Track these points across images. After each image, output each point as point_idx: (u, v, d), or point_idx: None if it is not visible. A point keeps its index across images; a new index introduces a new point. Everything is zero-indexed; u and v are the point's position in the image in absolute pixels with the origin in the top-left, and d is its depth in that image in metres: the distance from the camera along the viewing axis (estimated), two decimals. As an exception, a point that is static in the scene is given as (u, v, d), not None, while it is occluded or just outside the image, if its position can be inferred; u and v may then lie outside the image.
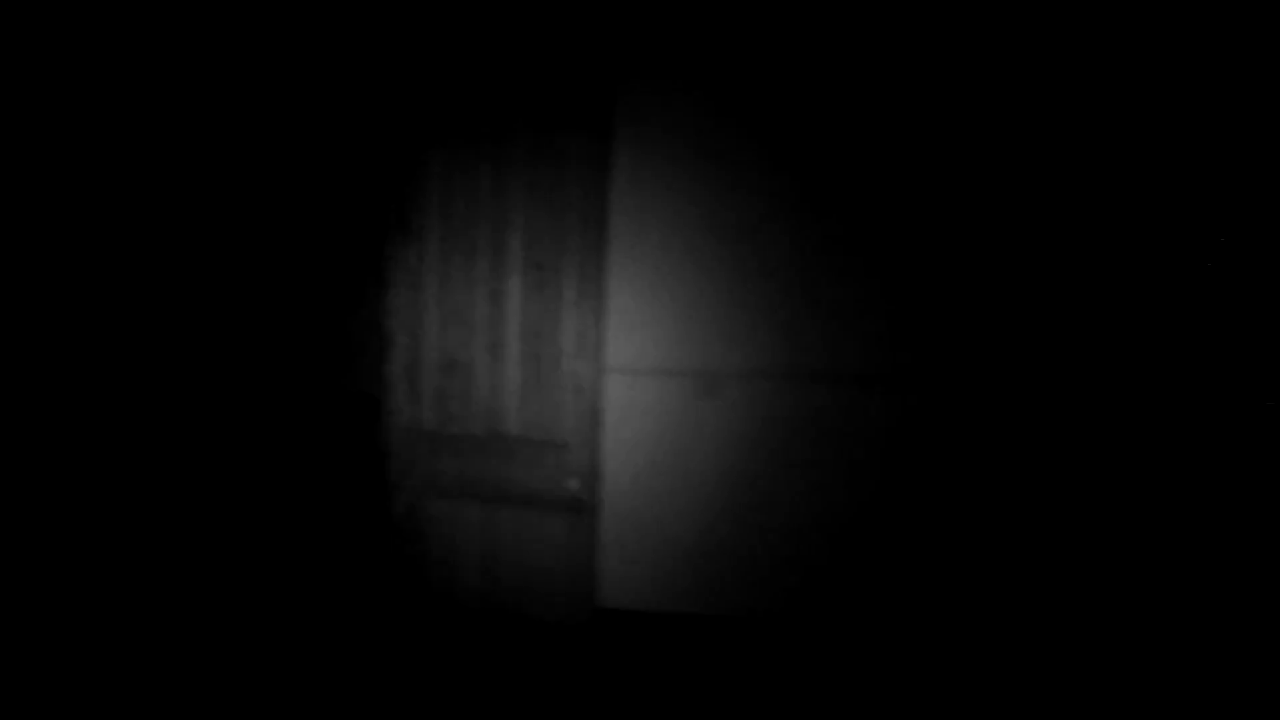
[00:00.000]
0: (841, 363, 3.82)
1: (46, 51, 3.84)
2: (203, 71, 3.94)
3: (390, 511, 3.96)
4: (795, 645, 3.86)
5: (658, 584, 3.96)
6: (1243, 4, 3.33)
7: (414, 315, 3.95)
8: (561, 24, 3.81)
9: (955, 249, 3.75)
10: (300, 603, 3.97)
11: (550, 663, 3.85)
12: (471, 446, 3.93)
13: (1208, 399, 3.55)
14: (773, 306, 3.86)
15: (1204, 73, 3.54)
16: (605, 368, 3.92)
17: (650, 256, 3.89)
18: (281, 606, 3.95)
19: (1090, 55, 3.64)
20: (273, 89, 3.95)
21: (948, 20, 3.71)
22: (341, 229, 3.97)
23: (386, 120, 3.89)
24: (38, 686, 3.45)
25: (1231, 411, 3.40)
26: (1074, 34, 3.64)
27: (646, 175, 3.87)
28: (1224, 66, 3.45)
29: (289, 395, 4.00)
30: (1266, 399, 3.32)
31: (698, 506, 3.93)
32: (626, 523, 3.95)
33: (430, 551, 3.96)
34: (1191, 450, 3.61)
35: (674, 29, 3.83)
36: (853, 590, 3.86)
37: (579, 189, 3.84)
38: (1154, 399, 3.65)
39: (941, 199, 3.74)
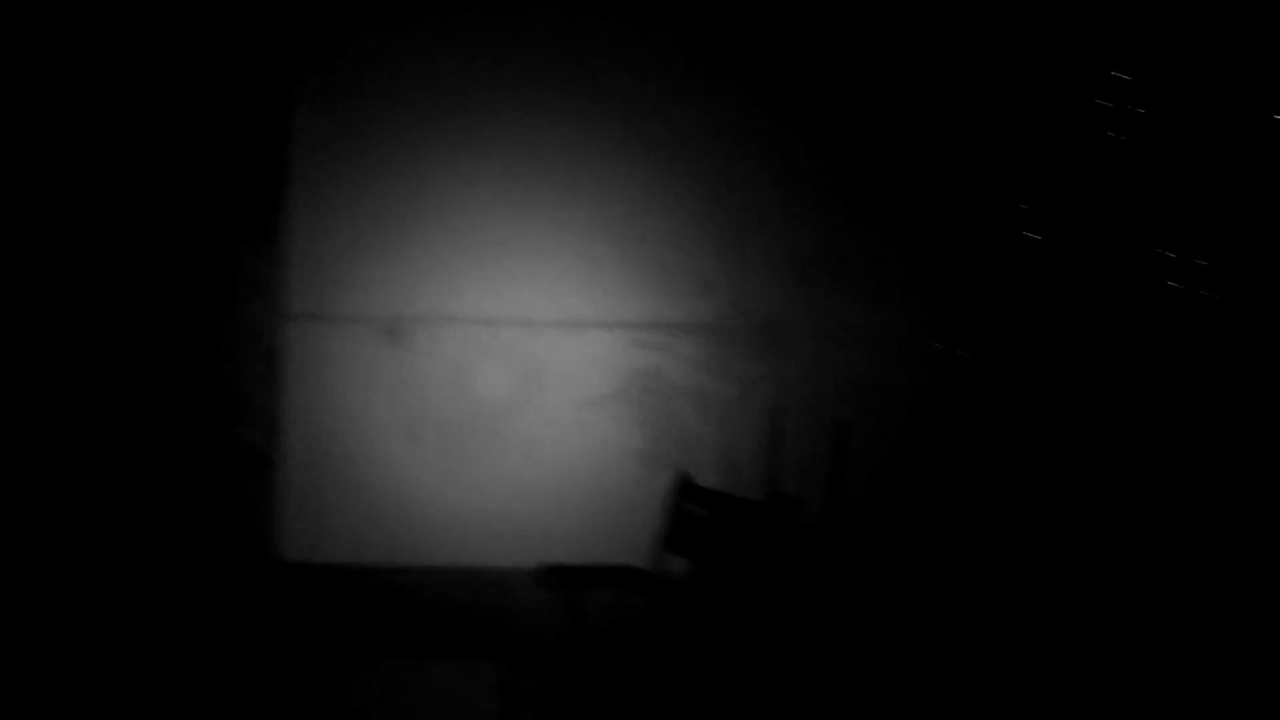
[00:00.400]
0: (536, 310, 3.86)
1: None
2: None
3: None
4: (486, 597, 3.85)
5: (343, 537, 3.85)
6: None
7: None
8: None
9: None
10: None
11: (226, 616, 3.67)
12: (137, 397, 3.68)
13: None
14: (467, 251, 3.84)
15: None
16: (286, 314, 3.77)
17: (338, 199, 3.78)
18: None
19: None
20: None
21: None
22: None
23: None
24: None
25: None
26: None
27: (336, 116, 3.76)
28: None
29: None
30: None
31: (385, 456, 3.85)
32: (310, 474, 3.82)
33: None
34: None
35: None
36: (556, 542, 3.90)
37: (258, 127, 3.68)
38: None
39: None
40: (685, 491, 3.04)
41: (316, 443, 3.82)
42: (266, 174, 3.70)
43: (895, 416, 3.85)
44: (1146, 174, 3.41)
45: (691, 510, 2.98)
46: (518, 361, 3.87)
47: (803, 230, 3.85)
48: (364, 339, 3.82)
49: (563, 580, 2.79)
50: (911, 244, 3.83)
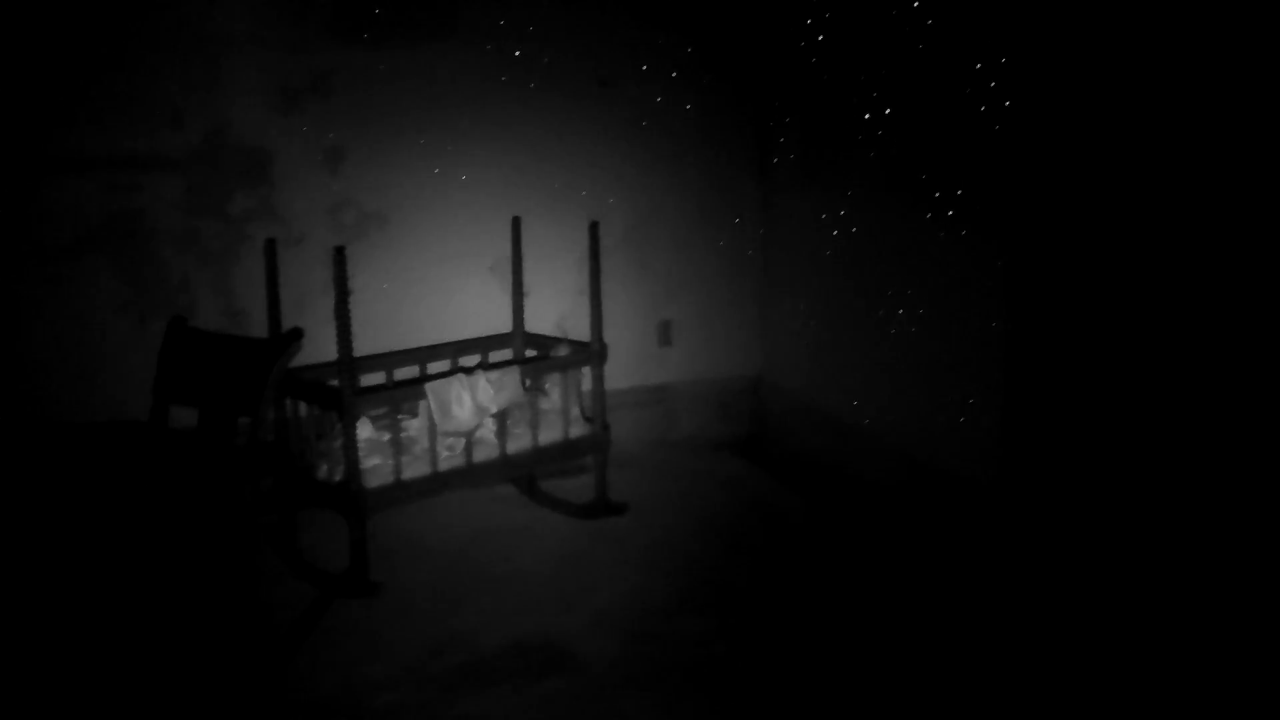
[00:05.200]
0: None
1: None
2: None
3: None
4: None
5: None
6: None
7: None
8: None
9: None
10: None
11: None
12: None
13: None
14: None
15: None
16: None
17: None
18: None
19: None
20: None
21: None
22: None
23: None
24: None
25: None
26: None
27: None
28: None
29: None
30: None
31: None
32: None
33: None
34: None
35: None
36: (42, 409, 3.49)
37: None
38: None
39: None
40: (180, 336, 2.85)
41: None
42: None
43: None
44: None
45: (189, 356, 2.81)
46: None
47: (282, 53, 3.60)
48: None
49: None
50: (407, 63, 3.72)
